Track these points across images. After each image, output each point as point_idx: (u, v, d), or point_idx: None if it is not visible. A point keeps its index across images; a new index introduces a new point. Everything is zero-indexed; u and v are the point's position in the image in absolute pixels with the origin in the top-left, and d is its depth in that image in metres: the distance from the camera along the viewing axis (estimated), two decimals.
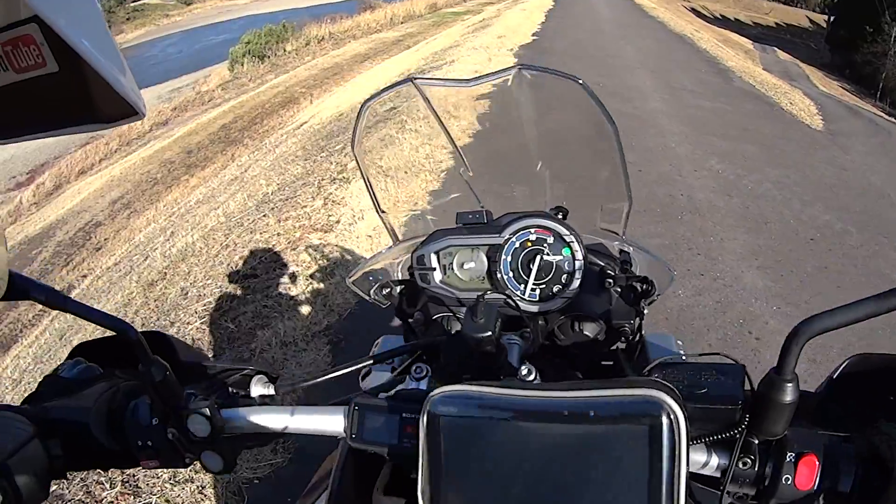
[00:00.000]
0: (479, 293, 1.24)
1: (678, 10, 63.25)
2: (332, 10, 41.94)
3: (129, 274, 6.34)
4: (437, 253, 1.44)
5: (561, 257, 1.37)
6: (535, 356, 1.23)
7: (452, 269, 1.43)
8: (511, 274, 1.38)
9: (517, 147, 1.77)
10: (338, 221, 5.41)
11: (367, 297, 1.57)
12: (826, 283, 5.81)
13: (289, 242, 5.18)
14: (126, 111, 0.95)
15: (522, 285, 1.37)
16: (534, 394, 0.89)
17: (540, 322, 1.40)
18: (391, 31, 30.00)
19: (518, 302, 1.36)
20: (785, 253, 6.38)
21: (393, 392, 1.10)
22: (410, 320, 1.50)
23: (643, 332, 1.43)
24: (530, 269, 1.36)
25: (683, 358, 1.23)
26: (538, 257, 1.36)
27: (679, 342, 1.48)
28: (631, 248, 1.57)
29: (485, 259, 1.41)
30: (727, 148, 9.58)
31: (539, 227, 1.37)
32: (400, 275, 1.61)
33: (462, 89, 1.70)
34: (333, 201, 5.69)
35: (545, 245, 1.37)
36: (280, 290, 4.71)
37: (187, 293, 5.11)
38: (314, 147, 8.48)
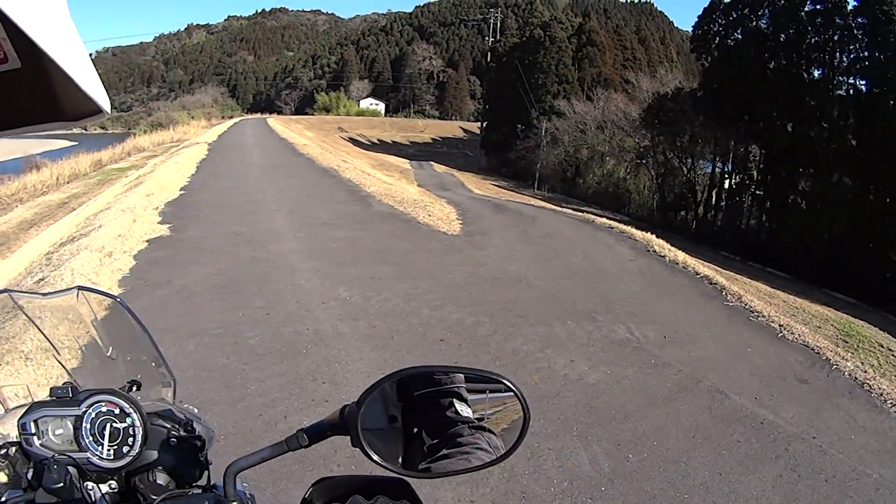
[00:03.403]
0: (52, 455, 1.57)
1: (335, 142, 65.06)
2: None
3: None
4: (34, 422, 1.64)
5: (127, 424, 1.62)
6: (126, 496, 1.63)
7: (48, 434, 1.65)
8: (91, 438, 1.61)
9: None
10: None
11: None
12: None
13: None
14: (90, 109, 0.97)
15: (100, 447, 1.60)
16: None
17: (124, 473, 1.64)
18: (57, 193, 28.45)
19: (98, 461, 1.60)
20: (412, 361, 6.26)
21: None
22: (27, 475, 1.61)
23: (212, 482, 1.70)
24: (104, 434, 1.61)
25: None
26: (108, 425, 1.62)
27: (245, 484, 1.65)
28: (193, 412, 1.86)
29: (71, 426, 1.64)
30: (358, 273, 9.87)
31: (108, 401, 1.63)
32: (14, 437, 1.73)
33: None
34: None
35: (114, 415, 1.63)
36: None
37: None
38: None
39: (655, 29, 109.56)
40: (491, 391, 1.41)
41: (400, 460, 1.37)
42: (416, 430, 1.39)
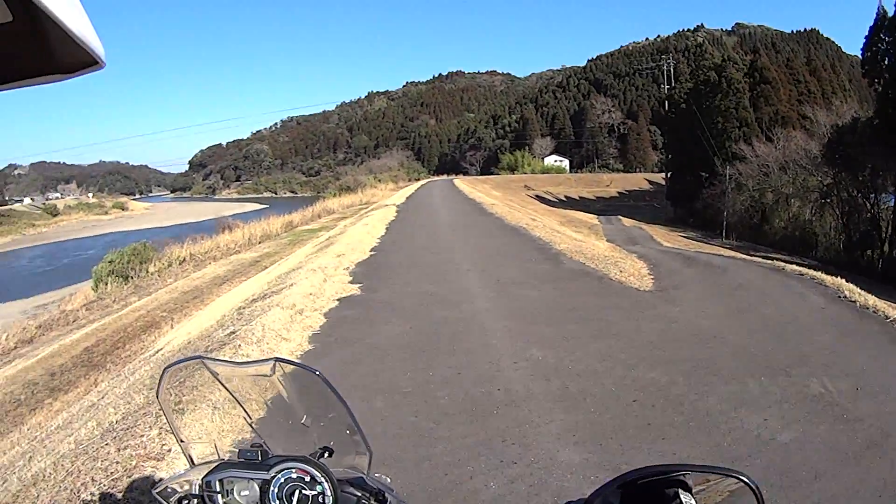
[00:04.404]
0: None
1: (522, 201, 65.38)
2: (193, 229, 42.18)
3: None
4: (220, 481, 1.79)
5: (316, 492, 1.72)
6: None
7: (232, 494, 1.79)
8: (278, 503, 1.73)
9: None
10: (169, 450, 5.56)
11: None
12: (654, 444, 5.97)
13: (125, 470, 5.28)
14: (86, 60, 0.97)
15: None
16: None
17: None
18: (249, 252, 29.79)
19: None
20: (604, 423, 6.48)
21: None
22: None
23: None
24: (292, 501, 1.72)
25: None
26: (297, 492, 1.73)
27: None
28: (386, 482, 1.93)
29: (257, 489, 1.76)
30: (550, 333, 9.73)
31: (298, 468, 1.74)
32: (196, 490, 1.87)
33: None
34: (167, 431, 5.72)
35: (303, 482, 1.73)
36: None
37: None
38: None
39: (825, 57, 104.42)
40: (720, 483, 1.39)
41: None
42: None
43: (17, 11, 0.85)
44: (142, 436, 5.99)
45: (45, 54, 0.94)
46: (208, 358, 2.11)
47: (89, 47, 0.92)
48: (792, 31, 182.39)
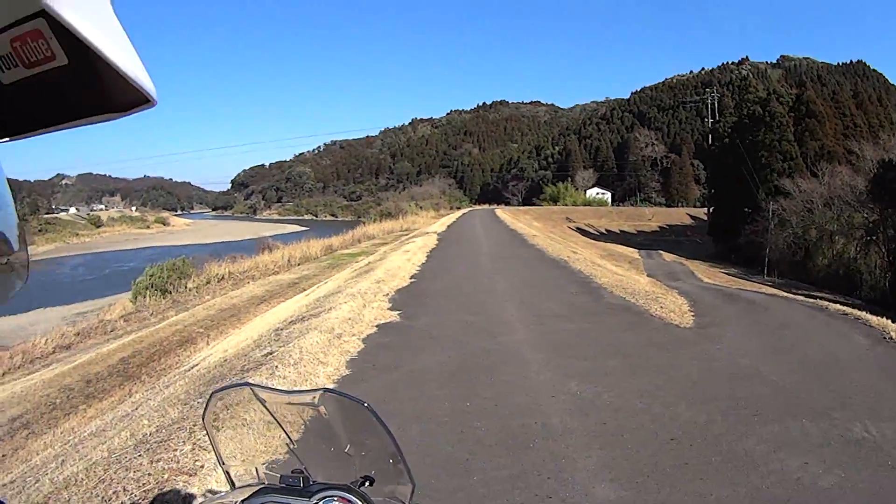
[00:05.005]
0: None
1: (563, 233, 65.48)
2: (233, 248, 42.77)
3: (20, 494, 6.41)
4: None
5: None
6: None
7: None
8: None
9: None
10: (202, 466, 5.56)
11: None
12: (691, 483, 5.85)
13: (157, 483, 5.30)
14: (138, 99, 1.02)
15: None
16: None
17: None
18: (288, 273, 30.22)
19: None
20: (641, 460, 6.36)
21: None
22: None
23: None
24: None
25: None
26: None
27: None
28: None
29: None
30: (589, 367, 9.62)
31: (340, 496, 1.73)
32: None
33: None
34: (201, 447, 5.84)
35: None
36: None
37: None
38: (195, 392, 8.67)
39: (872, 89, 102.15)
40: None
41: None
42: None
43: (72, 55, 0.92)
44: (175, 450, 6.03)
45: (100, 94, 1.01)
46: (256, 385, 2.12)
47: (141, 87, 0.99)
48: (838, 63, 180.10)
